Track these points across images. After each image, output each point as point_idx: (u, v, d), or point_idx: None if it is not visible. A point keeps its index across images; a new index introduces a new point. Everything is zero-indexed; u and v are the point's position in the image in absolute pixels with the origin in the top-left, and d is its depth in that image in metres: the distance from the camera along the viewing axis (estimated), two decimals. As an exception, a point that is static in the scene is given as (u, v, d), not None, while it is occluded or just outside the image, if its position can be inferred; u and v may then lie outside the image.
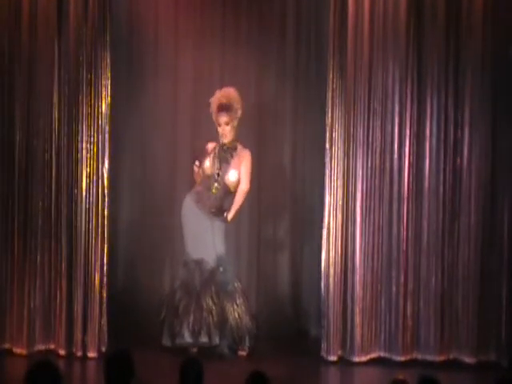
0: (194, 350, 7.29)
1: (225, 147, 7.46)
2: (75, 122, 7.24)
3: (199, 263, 7.38)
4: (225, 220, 7.45)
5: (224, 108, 7.37)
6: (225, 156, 7.45)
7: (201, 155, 7.43)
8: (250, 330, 7.40)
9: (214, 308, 7.30)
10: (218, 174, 7.44)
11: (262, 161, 8.30)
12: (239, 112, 7.42)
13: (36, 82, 7.24)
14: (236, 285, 7.47)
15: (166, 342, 7.33)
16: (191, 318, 7.26)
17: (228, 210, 7.44)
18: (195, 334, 7.24)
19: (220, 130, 7.43)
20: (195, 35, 8.30)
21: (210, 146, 7.51)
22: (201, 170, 7.46)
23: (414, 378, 4.55)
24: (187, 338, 7.26)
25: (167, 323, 7.34)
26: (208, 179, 7.44)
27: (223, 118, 7.38)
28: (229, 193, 7.47)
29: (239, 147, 7.50)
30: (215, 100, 7.42)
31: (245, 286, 7.70)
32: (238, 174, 7.45)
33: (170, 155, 8.36)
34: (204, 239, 7.39)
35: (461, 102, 7.42)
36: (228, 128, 7.41)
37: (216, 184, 7.44)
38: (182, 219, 7.51)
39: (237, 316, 7.37)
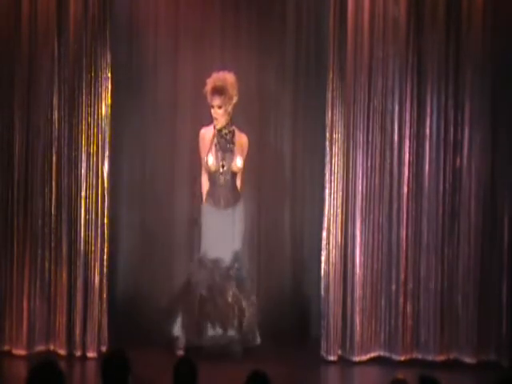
0: (181, 352, 7.27)
1: (223, 133, 7.45)
2: (75, 122, 7.24)
3: (215, 262, 7.38)
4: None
5: (218, 91, 7.35)
6: (226, 145, 7.46)
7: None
8: (260, 327, 7.43)
9: (235, 305, 7.32)
10: (223, 166, 7.45)
11: (262, 160, 8.30)
12: (234, 98, 7.40)
13: (36, 82, 7.24)
14: (250, 281, 7.51)
15: (180, 336, 7.32)
16: (218, 315, 7.27)
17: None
18: (222, 329, 7.26)
19: (212, 112, 7.43)
20: (195, 35, 8.30)
21: (205, 132, 7.50)
22: (206, 166, 7.46)
23: (414, 378, 4.55)
24: (215, 333, 7.27)
25: (184, 320, 7.32)
26: (214, 173, 7.44)
27: (216, 101, 7.37)
28: (235, 176, 7.52)
29: (236, 132, 7.52)
30: (211, 81, 7.40)
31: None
32: (242, 159, 7.49)
33: (170, 155, 8.36)
34: (223, 237, 7.39)
35: (461, 102, 7.43)
36: (220, 112, 7.39)
37: (222, 176, 7.45)
38: (203, 227, 7.50)
39: (251, 313, 7.39)
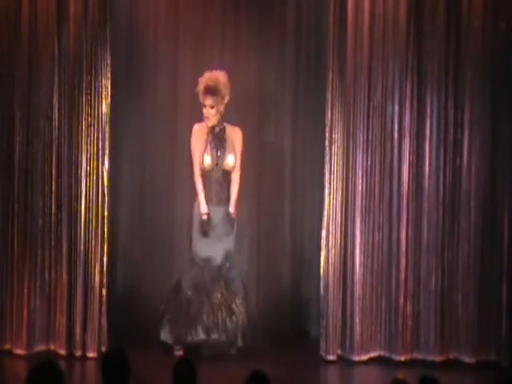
0: (180, 352, 7.28)
1: (215, 131, 7.44)
2: (75, 122, 7.24)
3: (206, 261, 7.39)
4: (232, 217, 7.45)
5: (210, 90, 7.35)
6: (219, 141, 7.45)
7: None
8: (253, 328, 7.42)
9: (222, 305, 7.32)
10: (217, 164, 7.44)
11: (261, 160, 8.30)
12: (226, 97, 7.40)
13: (36, 82, 7.24)
14: (240, 281, 7.50)
15: (166, 338, 7.33)
16: (204, 316, 7.27)
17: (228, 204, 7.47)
18: (208, 331, 7.25)
19: (204, 111, 7.42)
20: (195, 35, 8.30)
21: (198, 128, 7.46)
22: (202, 166, 7.43)
23: (414, 378, 4.55)
24: (201, 335, 7.27)
25: (171, 320, 7.32)
26: (208, 172, 7.43)
27: (208, 101, 7.37)
28: (228, 174, 7.48)
29: (228, 127, 7.51)
30: (203, 80, 7.41)
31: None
32: (235, 156, 7.47)
33: (169, 155, 8.36)
34: (215, 236, 7.39)
35: (461, 102, 7.43)
36: (212, 111, 7.39)
37: (215, 174, 7.43)
38: (195, 225, 7.48)
39: (240, 313, 7.38)
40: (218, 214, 7.44)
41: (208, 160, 7.41)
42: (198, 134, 7.47)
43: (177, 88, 8.37)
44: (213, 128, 7.45)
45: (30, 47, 7.24)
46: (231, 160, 7.45)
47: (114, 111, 7.35)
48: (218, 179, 7.46)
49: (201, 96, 7.42)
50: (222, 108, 7.42)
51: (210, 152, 7.43)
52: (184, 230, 8.27)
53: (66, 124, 7.25)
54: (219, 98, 7.36)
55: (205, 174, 7.45)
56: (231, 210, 7.49)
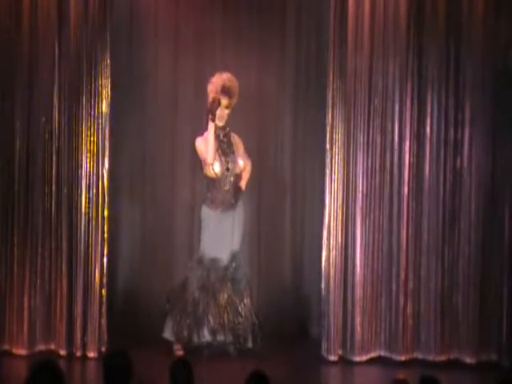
0: (180, 352, 7.28)
1: (221, 137, 7.42)
2: (75, 122, 7.24)
3: (213, 261, 7.38)
4: (241, 190, 7.46)
5: (228, 91, 7.33)
6: (226, 148, 7.44)
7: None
8: (255, 330, 7.41)
9: (228, 306, 7.32)
10: (228, 169, 7.42)
11: (262, 160, 8.30)
12: (235, 101, 7.42)
13: (36, 82, 7.25)
14: (247, 282, 7.51)
15: (170, 336, 7.34)
16: (210, 318, 7.27)
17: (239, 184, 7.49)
18: (214, 332, 7.26)
19: (218, 111, 7.38)
20: (195, 35, 8.30)
21: (202, 139, 7.40)
22: (212, 173, 7.41)
23: (415, 378, 4.55)
24: (206, 336, 7.29)
25: (175, 319, 7.32)
26: (219, 179, 7.41)
27: (225, 100, 7.36)
28: (238, 177, 7.48)
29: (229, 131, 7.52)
30: (219, 80, 7.35)
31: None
32: (242, 159, 7.48)
33: (170, 155, 8.36)
34: (223, 238, 7.38)
35: (461, 101, 7.44)
36: (227, 112, 7.40)
37: (227, 180, 7.41)
38: (202, 225, 7.47)
39: (244, 315, 7.38)
40: (225, 218, 7.40)
41: (217, 168, 7.37)
42: (207, 143, 7.33)
43: (177, 88, 8.37)
44: (218, 134, 7.41)
45: (31, 48, 7.24)
46: (241, 162, 7.45)
47: (113, 111, 7.36)
48: (231, 186, 7.39)
49: (214, 94, 7.33)
50: (230, 111, 7.42)
51: (218, 159, 7.39)
52: (184, 230, 8.29)
53: (66, 124, 7.26)
54: (233, 99, 7.37)
55: (215, 181, 7.41)
56: (243, 185, 7.47)
